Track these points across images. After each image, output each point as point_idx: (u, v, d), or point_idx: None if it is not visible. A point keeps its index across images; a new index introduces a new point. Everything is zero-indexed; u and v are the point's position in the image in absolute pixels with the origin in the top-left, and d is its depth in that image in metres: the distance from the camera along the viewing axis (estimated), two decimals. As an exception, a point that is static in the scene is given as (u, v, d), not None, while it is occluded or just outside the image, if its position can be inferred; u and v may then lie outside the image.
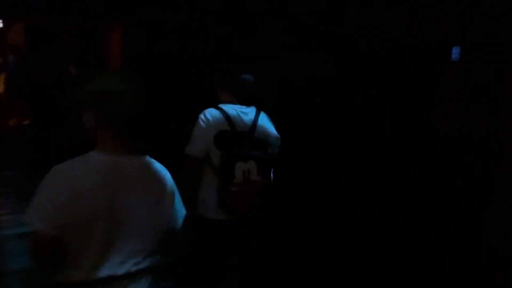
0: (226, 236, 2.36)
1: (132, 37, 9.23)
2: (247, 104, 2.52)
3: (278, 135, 2.57)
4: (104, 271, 1.51)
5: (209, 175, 2.36)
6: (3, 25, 9.77)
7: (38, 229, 1.45)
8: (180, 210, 1.73)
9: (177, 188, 1.71)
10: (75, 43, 12.05)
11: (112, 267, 1.53)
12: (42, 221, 1.43)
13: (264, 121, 2.54)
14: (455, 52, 3.58)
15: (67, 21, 11.18)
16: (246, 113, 2.48)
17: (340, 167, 4.23)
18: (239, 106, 2.50)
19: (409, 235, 3.68)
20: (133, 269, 1.57)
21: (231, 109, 2.46)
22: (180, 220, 1.72)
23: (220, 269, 2.44)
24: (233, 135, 2.33)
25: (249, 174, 2.28)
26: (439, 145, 3.72)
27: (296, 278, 3.40)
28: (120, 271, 1.54)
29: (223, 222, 2.33)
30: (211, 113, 2.41)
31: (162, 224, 1.64)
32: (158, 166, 1.66)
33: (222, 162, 2.28)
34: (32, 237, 1.45)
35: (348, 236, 3.92)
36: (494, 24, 3.20)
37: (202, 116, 2.41)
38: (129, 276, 1.56)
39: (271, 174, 2.45)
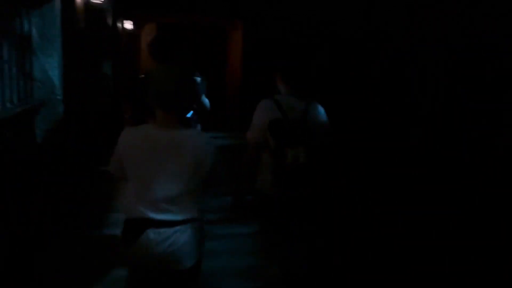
0: (280, 208, 2.70)
1: (251, 34, 9.91)
2: (303, 94, 2.75)
3: (328, 124, 2.80)
4: (148, 213, 1.93)
5: (266, 157, 2.66)
6: (134, 27, 11.25)
7: (109, 169, 2.06)
8: (217, 173, 2.03)
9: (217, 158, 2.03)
10: (200, 42, 13.21)
11: (152, 211, 1.93)
12: (111, 165, 2.05)
13: (316, 111, 2.75)
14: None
15: (194, 21, 12.36)
16: (299, 103, 2.70)
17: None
18: (293, 96, 2.72)
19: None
20: (170, 217, 1.94)
21: (284, 99, 2.70)
22: (214, 182, 2.06)
23: (275, 236, 2.82)
24: (285, 123, 2.58)
25: (298, 158, 2.54)
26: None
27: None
28: (161, 216, 1.93)
29: (277, 196, 2.67)
30: (266, 104, 2.69)
31: (194, 182, 1.97)
32: (199, 137, 2.03)
33: (275, 146, 2.58)
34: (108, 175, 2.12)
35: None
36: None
37: (259, 106, 2.71)
38: (170, 223, 1.94)
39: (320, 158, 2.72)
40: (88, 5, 5.35)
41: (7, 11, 3.51)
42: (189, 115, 3.10)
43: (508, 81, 3.17)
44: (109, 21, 8.61)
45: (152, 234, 1.92)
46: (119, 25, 9.57)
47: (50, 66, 3.98)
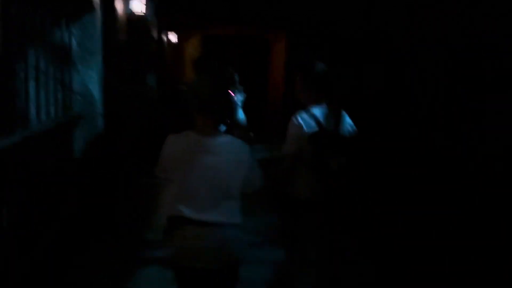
0: (313, 213, 2.80)
1: (294, 46, 9.70)
2: (333, 104, 2.84)
3: (356, 130, 2.89)
4: (187, 212, 2.06)
5: (301, 167, 2.74)
6: (179, 40, 11.28)
7: (156, 172, 2.19)
8: (255, 180, 2.18)
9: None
10: (242, 53, 13.12)
11: (193, 211, 2.06)
12: (157, 168, 2.18)
13: (345, 119, 2.85)
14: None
15: (238, 33, 12.29)
16: (331, 113, 2.79)
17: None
18: (325, 106, 2.80)
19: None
20: (207, 218, 2.06)
21: (317, 110, 2.77)
22: (252, 188, 2.17)
23: (303, 238, 2.91)
24: (321, 134, 2.68)
25: (341, 165, 2.68)
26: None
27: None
28: (201, 216, 2.06)
29: (310, 202, 2.77)
30: (301, 116, 2.74)
31: (232, 185, 2.10)
32: (237, 143, 2.18)
33: (313, 157, 2.68)
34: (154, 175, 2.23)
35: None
36: None
37: (294, 120, 2.75)
38: (211, 224, 2.06)
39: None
40: (131, 16, 5.28)
41: (47, 21, 3.43)
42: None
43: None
44: (154, 33, 8.62)
45: (191, 231, 2.06)
46: (163, 37, 9.57)
47: (90, 79, 3.87)
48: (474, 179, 3.35)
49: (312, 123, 2.69)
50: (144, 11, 5.01)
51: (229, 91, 2.28)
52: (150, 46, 8.71)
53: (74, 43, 3.79)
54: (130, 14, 5.13)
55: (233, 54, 13.28)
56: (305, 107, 2.79)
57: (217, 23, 12.00)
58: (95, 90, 3.91)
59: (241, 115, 4.40)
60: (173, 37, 10.50)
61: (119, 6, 4.43)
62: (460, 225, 3.37)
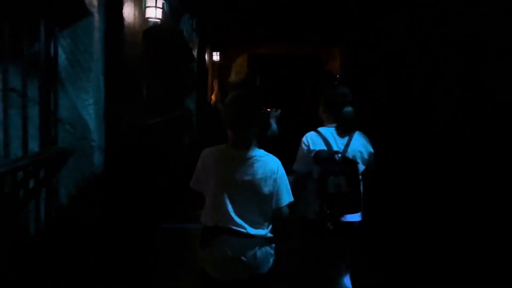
0: (322, 232, 2.79)
1: (349, 63, 8.57)
2: (345, 126, 2.86)
3: (372, 152, 2.89)
4: (221, 223, 2.15)
5: (311, 185, 2.81)
6: (223, 59, 10.51)
7: (190, 184, 2.30)
8: (283, 195, 2.22)
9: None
10: (293, 72, 12.14)
11: (225, 221, 2.15)
12: (192, 181, 2.29)
13: (358, 141, 2.86)
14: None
15: (289, 52, 11.37)
16: (341, 134, 2.84)
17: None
18: (336, 128, 2.86)
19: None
20: (240, 230, 2.14)
21: (327, 131, 2.85)
22: (281, 202, 2.22)
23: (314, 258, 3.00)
24: (328, 154, 2.73)
25: (340, 186, 2.67)
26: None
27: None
28: (233, 227, 2.14)
29: (320, 222, 2.76)
30: (311, 137, 2.85)
31: (262, 197, 2.17)
32: (265, 156, 2.23)
33: (318, 176, 2.73)
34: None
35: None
36: None
37: (304, 139, 2.86)
38: (242, 235, 2.14)
39: (360, 187, 2.78)
40: (151, 26, 4.41)
41: (24, 28, 2.59)
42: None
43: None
44: (194, 51, 7.83)
45: (226, 241, 2.16)
46: (205, 56, 8.78)
47: (83, 103, 2.98)
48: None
49: (320, 142, 2.79)
50: (161, 17, 4.04)
51: (263, 107, 2.35)
52: (190, 66, 7.93)
53: (62, 57, 2.92)
54: (148, 22, 4.23)
55: (282, 72, 12.38)
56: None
57: (265, 42, 11.18)
58: (90, 117, 3.01)
59: (274, 128, 4.38)
60: (217, 57, 9.66)
61: (129, 11, 3.54)
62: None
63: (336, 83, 7.29)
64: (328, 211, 2.70)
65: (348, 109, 2.87)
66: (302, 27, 8.68)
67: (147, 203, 4.57)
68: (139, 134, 4.22)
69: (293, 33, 9.42)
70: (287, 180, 2.26)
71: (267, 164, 2.20)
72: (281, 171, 2.23)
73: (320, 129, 2.88)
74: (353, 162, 2.75)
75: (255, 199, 2.16)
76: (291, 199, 2.26)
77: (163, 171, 5.81)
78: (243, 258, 2.15)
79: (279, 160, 2.26)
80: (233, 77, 11.20)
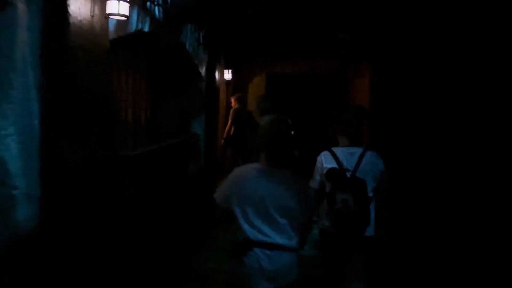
0: (335, 242, 3.09)
1: (380, 82, 7.51)
2: (358, 146, 3.13)
3: (384, 170, 3.11)
4: (253, 236, 2.31)
5: (324, 200, 3.08)
6: (239, 79, 9.58)
7: (217, 201, 2.43)
8: (309, 210, 2.46)
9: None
10: (316, 91, 11.17)
11: (257, 235, 2.31)
12: (218, 196, 2.43)
13: (369, 160, 3.07)
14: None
15: (312, 70, 10.42)
16: (353, 153, 3.09)
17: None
18: (349, 148, 3.12)
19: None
20: (271, 242, 2.32)
21: (340, 151, 3.12)
22: (308, 217, 2.47)
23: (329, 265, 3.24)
24: (339, 172, 3.01)
25: (347, 202, 2.92)
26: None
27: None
28: (264, 240, 2.31)
29: (330, 232, 3.04)
30: (325, 155, 3.16)
31: (290, 213, 2.34)
32: (296, 177, 2.44)
33: (329, 191, 3.02)
34: (216, 206, 2.45)
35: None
36: None
37: (319, 158, 3.18)
38: (272, 246, 2.31)
39: (370, 204, 3.02)
40: (153, 39, 3.47)
41: None
42: None
43: None
44: (202, 69, 6.93)
45: (257, 252, 2.30)
46: (216, 75, 7.87)
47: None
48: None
49: (333, 161, 3.03)
50: (127, 13, 3.02)
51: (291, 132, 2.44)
52: (196, 85, 7.04)
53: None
54: (127, 27, 3.30)
55: (303, 92, 11.41)
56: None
57: (285, 59, 10.27)
58: (10, 153, 2.06)
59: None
60: (229, 74, 8.74)
61: (83, 7, 2.59)
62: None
63: (350, 106, 6.99)
64: (335, 223, 2.95)
65: (357, 124, 3.19)
66: (325, 41, 7.71)
67: (127, 266, 3.56)
68: (115, 169, 3.26)
69: (316, 48, 8.47)
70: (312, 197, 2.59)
71: (296, 183, 2.41)
72: (308, 190, 2.62)
73: (333, 148, 3.15)
74: (361, 181, 2.97)
75: (285, 214, 2.32)
76: (314, 215, 2.60)
77: (156, 211, 4.84)
78: (272, 268, 2.30)
79: (302, 180, 2.51)
80: (252, 98, 10.26)
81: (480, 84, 3.51)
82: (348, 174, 2.98)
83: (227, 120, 10.00)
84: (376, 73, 7.60)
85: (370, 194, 3.01)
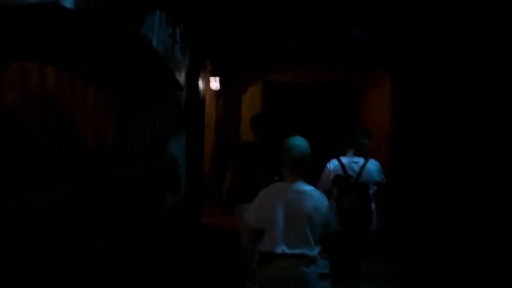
0: (343, 240, 3.48)
1: (405, 93, 6.00)
2: (361, 155, 3.75)
3: (382, 177, 3.78)
4: (279, 249, 2.62)
5: (332, 202, 3.39)
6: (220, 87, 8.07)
7: (248, 221, 2.76)
8: (332, 224, 2.76)
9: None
10: (319, 103, 9.73)
11: (283, 247, 2.62)
12: (250, 217, 2.75)
13: (371, 167, 3.69)
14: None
15: (316, 79, 8.98)
16: (357, 162, 3.69)
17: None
18: (354, 157, 3.70)
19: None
20: (295, 252, 2.63)
21: (346, 160, 3.67)
22: (327, 230, 2.73)
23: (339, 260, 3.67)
24: (344, 178, 3.50)
25: (353, 204, 3.37)
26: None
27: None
28: (290, 251, 2.62)
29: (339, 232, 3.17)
30: (332, 163, 3.72)
31: (313, 226, 2.65)
32: (317, 192, 2.77)
33: (336, 195, 3.49)
34: (247, 226, 2.80)
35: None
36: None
37: (327, 165, 3.71)
38: (295, 256, 2.63)
39: (372, 205, 3.64)
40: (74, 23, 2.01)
41: None
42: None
43: None
44: (180, 75, 5.47)
45: (281, 262, 2.61)
46: (200, 83, 6.36)
47: None
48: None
49: (339, 168, 3.52)
50: None
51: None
52: (171, 95, 5.55)
53: None
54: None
55: (306, 105, 9.97)
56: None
57: (284, 66, 8.81)
58: None
59: None
60: (216, 82, 7.25)
61: None
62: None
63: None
64: (343, 223, 3.16)
65: (365, 141, 3.82)
66: (330, 41, 6.25)
67: None
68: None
69: (319, 51, 7.01)
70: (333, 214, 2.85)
71: (318, 198, 2.72)
72: (328, 204, 2.79)
73: (341, 157, 3.69)
74: (364, 185, 3.53)
75: (308, 226, 2.62)
76: (337, 228, 2.81)
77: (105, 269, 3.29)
78: (293, 277, 2.60)
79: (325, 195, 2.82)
80: (246, 112, 8.80)
81: None
82: (353, 180, 3.50)
83: (218, 138, 8.54)
84: (400, 82, 6.12)
85: (372, 197, 3.58)
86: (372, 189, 3.64)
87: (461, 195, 3.84)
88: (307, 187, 2.71)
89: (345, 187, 3.43)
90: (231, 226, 6.20)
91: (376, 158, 7.49)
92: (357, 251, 3.73)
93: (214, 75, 7.09)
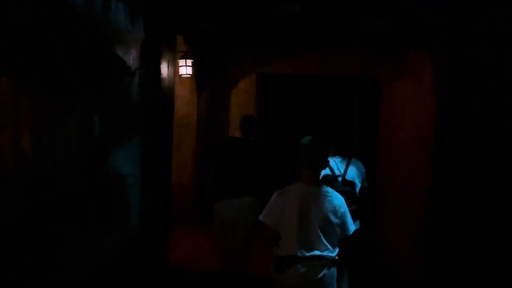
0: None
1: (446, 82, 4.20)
2: (345, 156, 3.78)
3: (364, 173, 3.80)
4: (298, 252, 2.60)
5: None
6: (196, 72, 6.16)
7: (266, 223, 2.74)
8: (349, 225, 2.73)
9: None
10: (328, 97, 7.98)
11: (302, 250, 2.60)
12: (267, 219, 2.73)
13: (354, 166, 3.73)
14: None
15: (324, 70, 7.21)
16: (342, 162, 3.73)
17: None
18: (339, 157, 3.75)
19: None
20: (314, 254, 2.61)
21: (332, 160, 3.61)
22: (346, 232, 2.71)
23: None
24: (331, 177, 3.54)
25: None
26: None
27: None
28: (309, 254, 2.59)
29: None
30: None
31: (331, 227, 2.64)
32: (333, 193, 2.74)
33: None
34: (264, 228, 2.77)
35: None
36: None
37: None
38: (314, 258, 2.61)
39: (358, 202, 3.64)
40: None
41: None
42: None
43: None
44: (129, 55, 3.68)
45: (299, 266, 2.59)
46: (168, 68, 4.52)
47: None
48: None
49: (326, 168, 3.22)
50: None
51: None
52: (117, 84, 3.75)
53: None
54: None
55: (309, 104, 8.20)
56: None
57: (282, 54, 7.01)
58: None
59: None
60: (190, 69, 5.40)
61: None
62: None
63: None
64: None
65: (344, 142, 3.99)
66: (353, 8, 4.44)
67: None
68: None
69: (331, 27, 5.20)
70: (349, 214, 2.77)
71: (336, 199, 2.70)
72: (346, 205, 2.74)
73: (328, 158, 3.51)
74: (351, 183, 3.62)
75: (325, 228, 2.60)
76: (355, 227, 2.78)
77: None
78: (314, 279, 2.58)
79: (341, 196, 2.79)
80: (236, 111, 7.01)
81: None
82: (339, 179, 3.60)
83: (200, 143, 6.81)
84: (442, 68, 4.30)
85: (357, 195, 3.70)
86: (357, 187, 3.73)
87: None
88: (325, 188, 2.74)
89: (333, 186, 3.24)
90: (218, 262, 4.36)
91: (409, 171, 5.86)
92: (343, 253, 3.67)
93: (187, 58, 5.23)
